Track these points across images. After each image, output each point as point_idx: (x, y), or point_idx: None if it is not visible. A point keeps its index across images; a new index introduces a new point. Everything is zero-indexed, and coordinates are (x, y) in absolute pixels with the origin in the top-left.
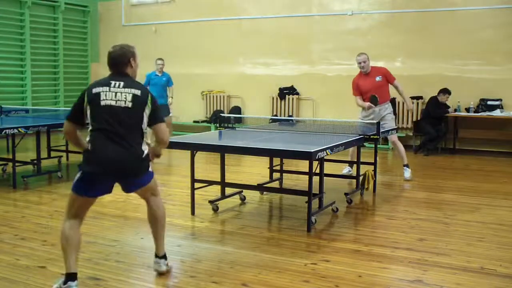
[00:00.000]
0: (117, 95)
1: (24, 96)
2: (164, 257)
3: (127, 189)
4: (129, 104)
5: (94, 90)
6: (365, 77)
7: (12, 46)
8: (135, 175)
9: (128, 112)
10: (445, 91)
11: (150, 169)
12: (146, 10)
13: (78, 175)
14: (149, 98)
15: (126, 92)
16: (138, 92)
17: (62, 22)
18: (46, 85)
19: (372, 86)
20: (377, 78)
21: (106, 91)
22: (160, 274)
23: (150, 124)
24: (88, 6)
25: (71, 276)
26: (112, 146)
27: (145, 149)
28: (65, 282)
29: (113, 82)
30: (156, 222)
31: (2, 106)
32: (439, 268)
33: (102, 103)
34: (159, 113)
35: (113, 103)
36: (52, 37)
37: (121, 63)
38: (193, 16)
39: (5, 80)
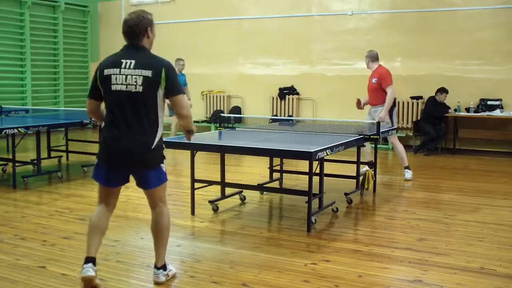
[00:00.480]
0: (128, 79)
1: (24, 96)
2: (163, 267)
3: (139, 182)
4: (140, 89)
5: (106, 72)
6: (370, 75)
7: (12, 46)
8: (144, 166)
9: (139, 98)
10: (442, 90)
11: (163, 169)
12: (146, 10)
13: (96, 162)
14: (163, 74)
15: (136, 75)
16: (149, 73)
17: (62, 22)
18: (46, 85)
19: (369, 86)
20: (373, 80)
21: (116, 74)
22: (158, 284)
23: (166, 97)
24: (88, 6)
25: (88, 259)
26: (120, 136)
27: (158, 138)
28: (84, 264)
29: (124, 62)
30: (159, 232)
31: (2, 106)
32: (439, 268)
33: (113, 87)
34: (176, 86)
35: (123, 88)
36: (52, 37)
37: (137, 33)
38: (193, 16)
39: (5, 80)
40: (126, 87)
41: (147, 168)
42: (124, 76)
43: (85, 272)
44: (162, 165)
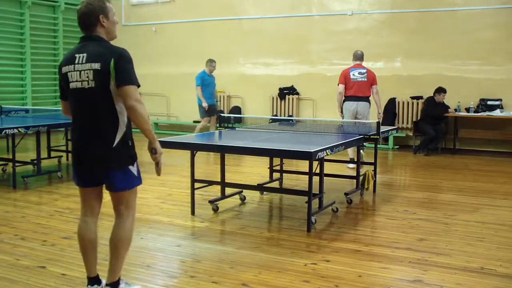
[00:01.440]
0: (81, 75)
1: (24, 96)
2: (112, 285)
3: (106, 185)
4: (92, 84)
5: (63, 69)
6: None
7: (12, 46)
8: (105, 166)
9: (93, 93)
10: (441, 90)
11: (133, 171)
12: (146, 10)
13: None
14: (112, 64)
15: (87, 69)
16: (98, 65)
17: (62, 22)
18: (46, 85)
19: None
20: None
21: (71, 71)
22: None
23: (117, 87)
24: None
25: (90, 280)
26: (81, 137)
27: (120, 136)
28: (88, 285)
29: (77, 56)
30: (116, 243)
31: (2, 106)
32: (439, 268)
33: (71, 85)
34: (125, 75)
35: (79, 85)
36: (52, 37)
37: (88, 23)
38: (193, 16)
39: (5, 80)
40: (81, 84)
41: (110, 168)
42: (78, 72)
43: None
44: (130, 166)
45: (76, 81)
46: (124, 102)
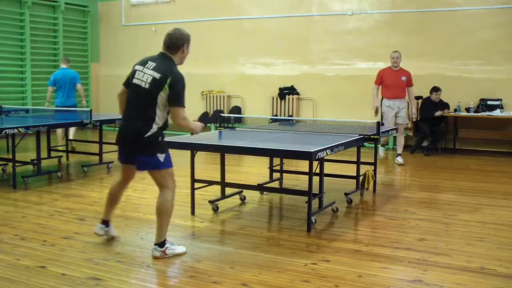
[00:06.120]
0: (144, 76)
1: (24, 96)
2: (159, 245)
3: (136, 165)
4: (147, 86)
5: (135, 67)
6: (392, 72)
7: (12, 46)
8: (137, 150)
9: (145, 92)
10: (433, 90)
11: (160, 158)
12: (146, 10)
13: None
14: (168, 82)
15: (149, 74)
16: (157, 75)
17: (62, 22)
18: (46, 85)
19: (396, 82)
20: (403, 78)
21: (139, 70)
22: (154, 258)
23: (168, 105)
24: (88, 6)
25: (103, 222)
26: (128, 121)
27: (155, 128)
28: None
29: (149, 62)
30: (157, 212)
31: (2, 106)
32: (439, 268)
33: (133, 81)
34: (175, 98)
35: (138, 82)
36: (52, 37)
37: (173, 45)
38: (193, 16)
39: (5, 80)
40: (140, 82)
41: (139, 152)
42: (142, 73)
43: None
44: (158, 154)
45: (139, 79)
46: (173, 119)
